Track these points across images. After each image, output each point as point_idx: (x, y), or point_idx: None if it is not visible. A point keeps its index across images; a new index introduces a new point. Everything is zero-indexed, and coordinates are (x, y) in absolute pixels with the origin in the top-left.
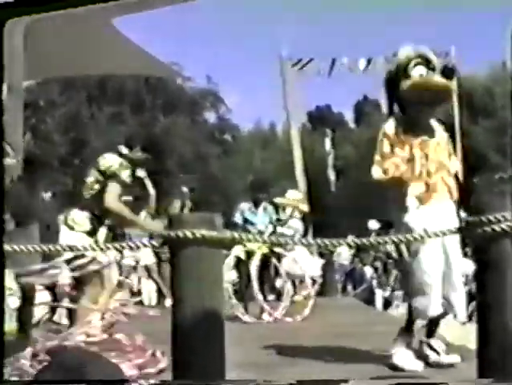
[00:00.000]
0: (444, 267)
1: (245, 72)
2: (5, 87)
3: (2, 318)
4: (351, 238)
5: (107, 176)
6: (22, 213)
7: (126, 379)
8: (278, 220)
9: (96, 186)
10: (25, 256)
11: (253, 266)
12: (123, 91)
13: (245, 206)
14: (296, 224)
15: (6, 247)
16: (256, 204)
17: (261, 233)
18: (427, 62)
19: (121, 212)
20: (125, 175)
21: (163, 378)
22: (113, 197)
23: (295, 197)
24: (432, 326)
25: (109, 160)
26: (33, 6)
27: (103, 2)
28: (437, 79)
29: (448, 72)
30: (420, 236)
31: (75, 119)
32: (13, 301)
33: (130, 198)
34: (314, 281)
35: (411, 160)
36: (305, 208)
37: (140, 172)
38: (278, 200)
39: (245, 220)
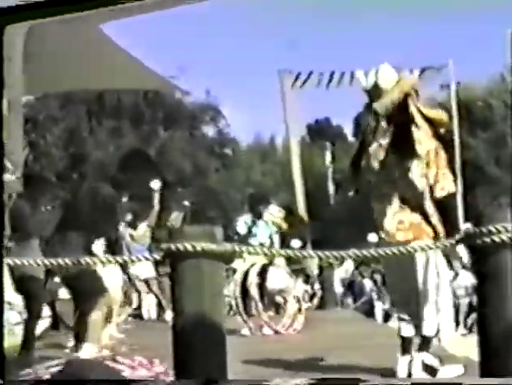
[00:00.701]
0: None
1: (244, 86)
2: (5, 102)
3: (2, 317)
4: (351, 250)
5: None
6: (22, 228)
7: (126, 380)
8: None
9: None
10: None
11: (253, 278)
12: (122, 106)
13: (248, 218)
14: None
15: (8, 261)
16: (257, 217)
17: (262, 245)
18: None
19: None
20: None
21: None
22: None
23: (277, 214)
24: (427, 340)
25: None
26: (31, 11)
27: (102, 6)
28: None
29: None
30: (414, 249)
31: (74, 133)
32: (13, 316)
33: None
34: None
35: None
36: (284, 226)
37: (154, 184)
38: (266, 216)
39: (249, 232)
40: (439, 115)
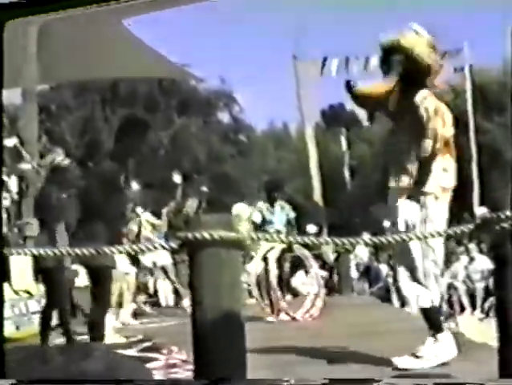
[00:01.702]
0: None
1: (259, 72)
2: (19, 91)
3: (2, 317)
4: (365, 236)
5: None
6: (50, 216)
7: (127, 380)
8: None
9: None
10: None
11: (272, 264)
12: (137, 94)
13: (263, 205)
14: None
15: (25, 251)
16: (272, 204)
17: (278, 232)
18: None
19: None
20: None
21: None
22: None
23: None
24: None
25: None
26: (33, 7)
27: (103, 2)
28: None
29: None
30: (434, 233)
31: (89, 122)
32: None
33: None
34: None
35: None
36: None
37: (177, 178)
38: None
39: (263, 220)
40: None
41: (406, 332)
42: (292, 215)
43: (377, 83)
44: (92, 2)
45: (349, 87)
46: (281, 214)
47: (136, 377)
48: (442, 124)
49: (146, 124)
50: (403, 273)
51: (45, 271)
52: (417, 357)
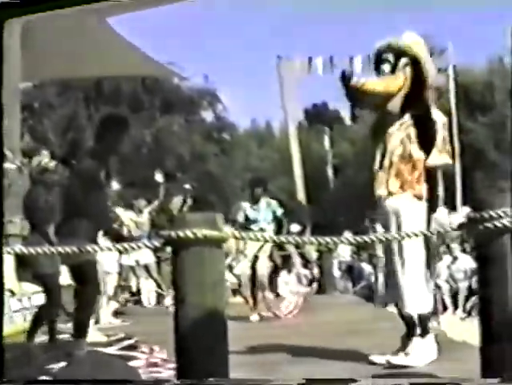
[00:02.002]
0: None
1: (242, 71)
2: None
3: (2, 318)
4: (348, 235)
5: None
6: (37, 217)
7: (128, 380)
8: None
9: None
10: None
11: (262, 264)
12: (120, 92)
13: (246, 205)
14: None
15: (16, 250)
16: (256, 201)
17: (262, 230)
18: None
19: None
20: None
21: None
22: None
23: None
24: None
25: None
26: (31, 6)
27: (100, 0)
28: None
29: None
30: (417, 233)
31: (73, 120)
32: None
33: None
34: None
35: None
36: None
37: (158, 177)
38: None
39: (247, 219)
40: None
41: (390, 331)
42: (280, 211)
43: (387, 81)
44: (89, 0)
45: (344, 77)
46: (266, 211)
47: (121, 376)
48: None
49: (126, 122)
50: (409, 274)
51: (43, 278)
52: (407, 355)
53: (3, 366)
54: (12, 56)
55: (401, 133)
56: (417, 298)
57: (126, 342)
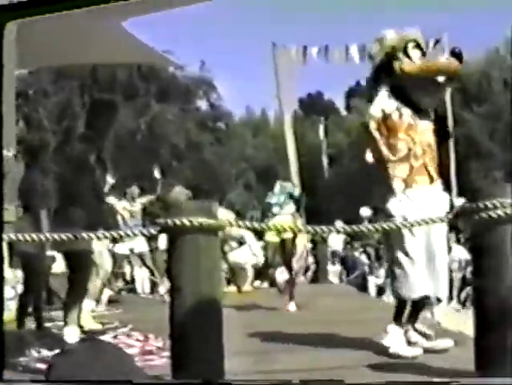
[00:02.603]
0: (427, 253)
1: (237, 59)
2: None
3: (2, 316)
4: (340, 225)
5: None
6: (31, 202)
7: (127, 380)
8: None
9: None
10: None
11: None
12: (116, 80)
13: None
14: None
15: (10, 236)
16: (271, 187)
17: (274, 215)
18: (419, 46)
19: None
20: None
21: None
22: None
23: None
24: (415, 310)
25: None
26: (32, 9)
27: (104, 2)
28: (444, 62)
29: (457, 55)
30: (413, 223)
31: (67, 108)
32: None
33: None
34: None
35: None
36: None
37: (156, 173)
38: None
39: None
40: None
41: (384, 321)
42: (296, 192)
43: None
44: (93, 2)
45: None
46: (280, 195)
47: (116, 362)
48: None
49: (114, 105)
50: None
51: (24, 257)
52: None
53: (3, 366)
54: (6, 42)
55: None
56: (422, 282)
57: (121, 330)
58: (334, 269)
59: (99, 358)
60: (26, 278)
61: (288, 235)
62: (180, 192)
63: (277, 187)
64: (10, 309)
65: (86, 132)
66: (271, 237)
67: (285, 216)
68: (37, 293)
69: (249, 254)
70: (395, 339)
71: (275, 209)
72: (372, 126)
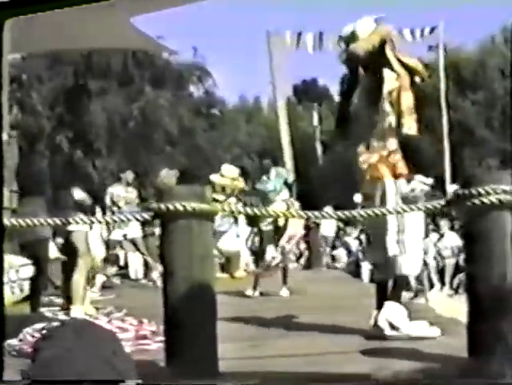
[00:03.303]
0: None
1: (231, 46)
2: None
3: (2, 315)
4: (330, 210)
5: None
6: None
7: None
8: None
9: None
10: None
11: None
12: (109, 66)
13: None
14: (234, 204)
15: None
16: (266, 172)
17: (271, 201)
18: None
19: None
20: None
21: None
22: None
23: (231, 175)
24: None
25: None
26: (32, 6)
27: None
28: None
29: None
30: (406, 209)
31: (62, 94)
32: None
33: None
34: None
35: None
36: (241, 185)
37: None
38: (214, 178)
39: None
40: (414, 63)
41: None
42: (290, 178)
43: None
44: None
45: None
46: (276, 180)
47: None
48: None
49: (86, 90)
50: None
51: (34, 242)
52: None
53: (3, 366)
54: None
55: None
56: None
57: (115, 315)
58: (327, 255)
59: (82, 337)
60: (36, 263)
61: (282, 222)
62: (167, 175)
63: (272, 172)
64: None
65: (62, 115)
66: (265, 225)
67: (280, 203)
68: (45, 277)
69: (236, 241)
70: (395, 314)
71: (271, 195)
72: None
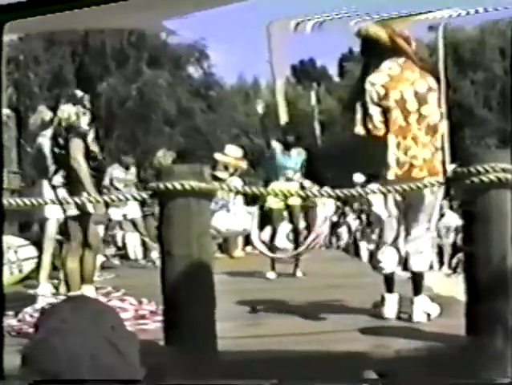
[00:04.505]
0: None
1: (230, 26)
2: None
3: (2, 313)
4: (328, 189)
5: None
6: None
7: (128, 380)
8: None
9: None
10: None
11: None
12: (107, 47)
13: (277, 146)
14: (236, 183)
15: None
16: (288, 148)
17: (289, 180)
18: None
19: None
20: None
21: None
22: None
23: (235, 154)
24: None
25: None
26: (33, 8)
27: (105, 3)
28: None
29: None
30: (402, 188)
31: (59, 75)
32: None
33: None
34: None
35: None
36: (244, 165)
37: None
38: (218, 156)
39: (274, 164)
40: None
41: (379, 285)
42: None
43: None
44: (99, 1)
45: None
46: (297, 159)
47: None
48: None
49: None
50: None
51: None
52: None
53: (3, 364)
54: None
55: None
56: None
57: (114, 295)
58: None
59: (80, 311)
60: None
61: (295, 201)
62: (164, 155)
63: (293, 151)
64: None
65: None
66: (275, 203)
67: (292, 183)
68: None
69: (233, 221)
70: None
71: (289, 172)
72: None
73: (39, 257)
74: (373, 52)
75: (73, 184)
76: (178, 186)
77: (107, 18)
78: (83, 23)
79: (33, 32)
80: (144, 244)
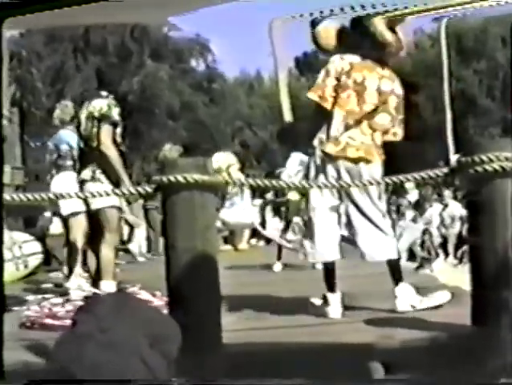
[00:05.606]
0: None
1: (232, 19)
2: None
3: (2, 312)
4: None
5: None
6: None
7: (128, 380)
8: None
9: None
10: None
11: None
12: (108, 42)
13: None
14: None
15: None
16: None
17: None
18: None
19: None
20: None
21: None
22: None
23: (229, 161)
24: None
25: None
26: (32, 5)
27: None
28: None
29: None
30: (402, 178)
31: (61, 71)
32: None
33: None
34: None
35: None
36: (239, 174)
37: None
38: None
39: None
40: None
41: (372, 276)
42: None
43: None
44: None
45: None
46: (295, 168)
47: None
48: None
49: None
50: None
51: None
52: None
53: (3, 364)
54: None
55: None
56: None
57: (131, 289)
58: None
59: (120, 320)
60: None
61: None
62: (170, 149)
63: (294, 158)
64: (8, 271)
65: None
66: (293, 195)
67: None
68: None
69: (240, 214)
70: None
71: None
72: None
73: (43, 252)
74: (366, 40)
75: (106, 175)
76: (181, 179)
77: (110, 14)
78: (85, 19)
79: (34, 28)
80: (148, 237)
